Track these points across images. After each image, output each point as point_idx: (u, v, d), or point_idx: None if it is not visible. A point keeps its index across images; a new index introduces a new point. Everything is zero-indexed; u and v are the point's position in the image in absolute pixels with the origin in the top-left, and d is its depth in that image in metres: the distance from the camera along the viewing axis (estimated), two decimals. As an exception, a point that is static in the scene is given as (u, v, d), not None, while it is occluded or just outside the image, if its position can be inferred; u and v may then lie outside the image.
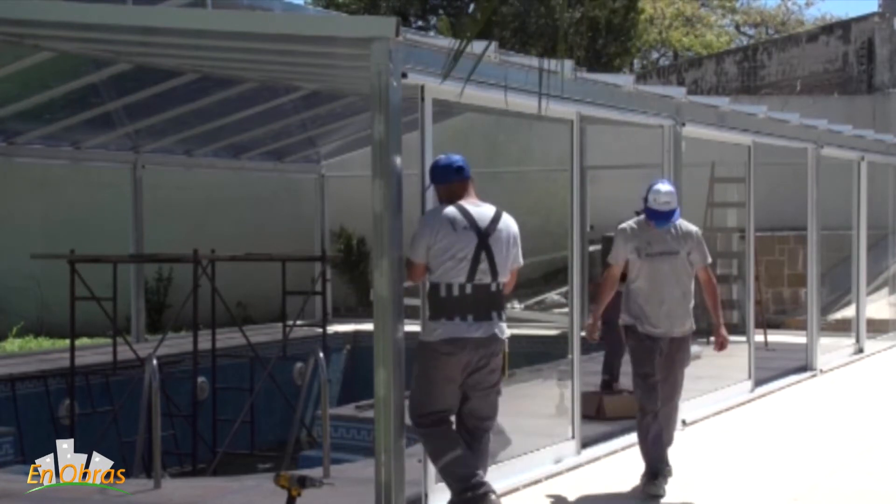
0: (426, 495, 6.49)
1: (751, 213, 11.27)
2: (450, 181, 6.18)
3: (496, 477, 6.77)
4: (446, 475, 6.08)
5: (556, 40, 26.81)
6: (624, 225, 7.40)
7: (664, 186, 7.27)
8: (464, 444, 6.09)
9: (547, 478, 7.51)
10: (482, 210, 6.16)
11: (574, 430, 8.08)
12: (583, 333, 7.77)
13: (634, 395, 7.32)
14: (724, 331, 7.40)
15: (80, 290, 10.42)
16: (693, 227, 7.42)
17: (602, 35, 26.84)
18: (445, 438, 6.07)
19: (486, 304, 6.08)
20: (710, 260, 7.46)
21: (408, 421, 6.12)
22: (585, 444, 8.28)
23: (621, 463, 8.03)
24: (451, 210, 6.09)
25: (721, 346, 7.36)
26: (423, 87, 6.49)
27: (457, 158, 6.22)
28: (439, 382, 6.06)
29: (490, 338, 6.06)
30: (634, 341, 7.22)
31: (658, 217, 7.23)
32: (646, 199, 7.26)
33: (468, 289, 6.02)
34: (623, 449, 8.32)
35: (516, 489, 7.16)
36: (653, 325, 7.15)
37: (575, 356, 8.11)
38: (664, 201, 7.22)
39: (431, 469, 6.42)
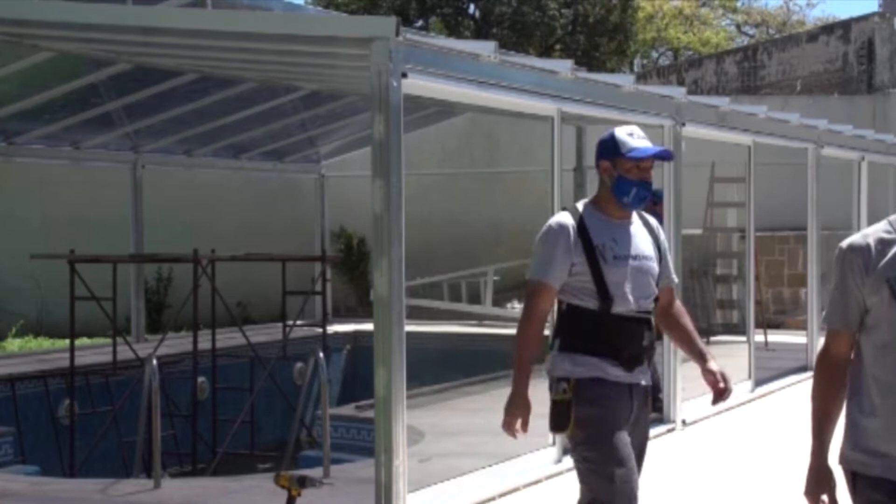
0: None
1: (751, 213, 11.27)
2: None
3: (483, 483, 6.67)
4: None
5: (552, 39, 26.92)
6: (854, 239, 3.46)
7: None
8: None
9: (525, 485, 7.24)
10: None
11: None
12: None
13: None
14: None
15: (80, 290, 10.41)
16: None
17: (596, 34, 26.85)
18: None
19: None
20: None
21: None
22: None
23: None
24: None
25: None
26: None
27: None
28: None
29: None
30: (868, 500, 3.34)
31: None
32: None
33: None
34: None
35: (492, 498, 6.90)
36: None
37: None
38: None
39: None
